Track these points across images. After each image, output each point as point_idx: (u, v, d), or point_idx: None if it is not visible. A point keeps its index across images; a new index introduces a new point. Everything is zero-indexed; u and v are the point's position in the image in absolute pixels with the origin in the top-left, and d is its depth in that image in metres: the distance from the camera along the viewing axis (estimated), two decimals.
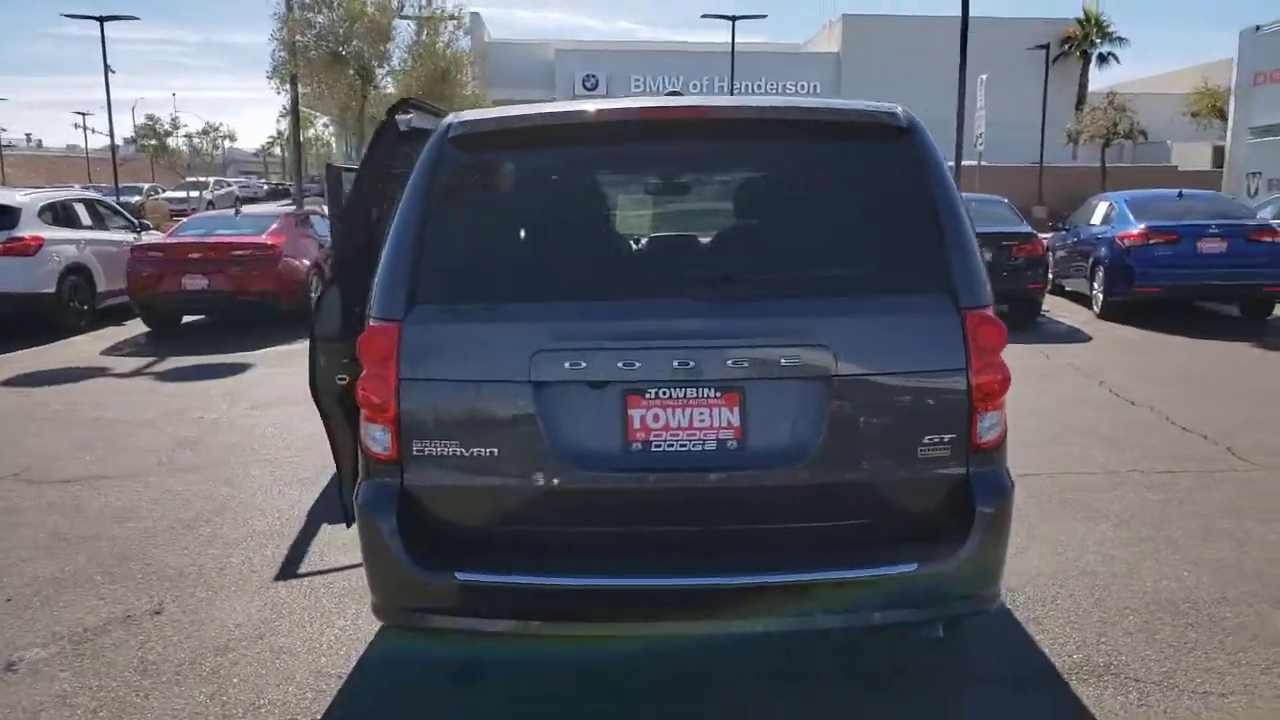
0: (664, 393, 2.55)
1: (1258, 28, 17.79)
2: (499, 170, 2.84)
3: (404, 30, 17.99)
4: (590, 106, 2.81)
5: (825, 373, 2.54)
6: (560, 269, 2.74)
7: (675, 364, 2.53)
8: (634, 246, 2.71)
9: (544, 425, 2.56)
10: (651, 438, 2.55)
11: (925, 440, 2.55)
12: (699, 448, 2.55)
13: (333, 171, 5.45)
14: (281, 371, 8.86)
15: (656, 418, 2.56)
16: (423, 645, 3.37)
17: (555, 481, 2.57)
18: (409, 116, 3.22)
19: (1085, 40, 42.69)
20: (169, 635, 3.53)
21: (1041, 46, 34.47)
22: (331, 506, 4.87)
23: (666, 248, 2.69)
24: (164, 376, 8.83)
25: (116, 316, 12.21)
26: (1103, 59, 43.03)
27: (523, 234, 2.76)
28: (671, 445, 2.55)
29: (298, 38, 17.47)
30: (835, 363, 2.53)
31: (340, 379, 3.13)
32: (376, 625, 3.54)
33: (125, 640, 3.48)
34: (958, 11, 17.11)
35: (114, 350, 10.31)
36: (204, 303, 11.36)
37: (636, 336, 2.56)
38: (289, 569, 4.15)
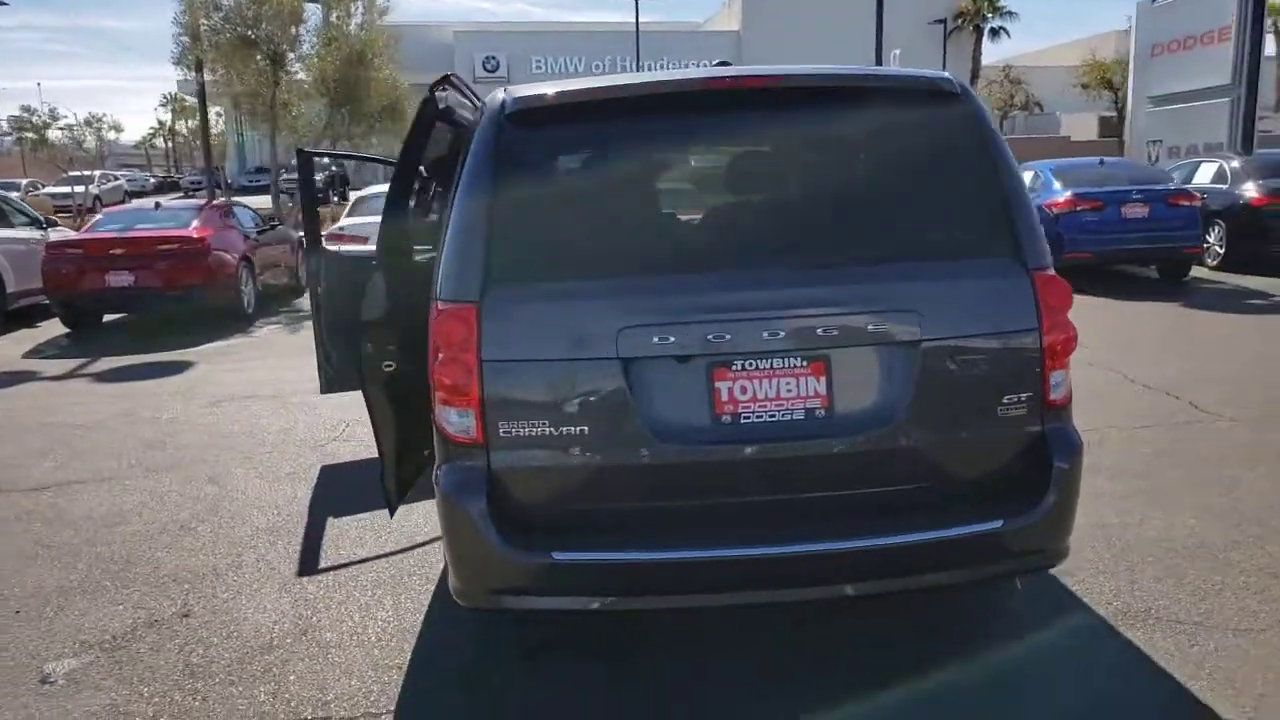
0: (750, 364, 2.57)
1: (1153, 1, 18.63)
2: (561, 145, 2.81)
3: (317, 13, 17.43)
4: (650, 78, 2.80)
5: (909, 338, 2.60)
6: (635, 243, 2.73)
7: (764, 334, 2.56)
8: (707, 218, 2.72)
9: (633, 401, 2.56)
10: (740, 409, 2.57)
11: (1004, 400, 2.64)
12: (787, 417, 2.58)
13: (304, 156, 5.29)
14: (227, 368, 8.57)
15: (744, 389, 2.58)
16: (478, 629, 3.35)
17: (645, 457, 2.57)
18: (445, 94, 3.15)
19: (978, 15, 43.95)
20: (206, 636, 3.40)
21: (939, 21, 35.39)
22: (334, 501, 4.78)
23: (740, 218, 2.70)
24: (102, 377, 8.43)
25: (28, 318, 11.61)
26: (994, 33, 44.37)
27: (591, 209, 2.74)
28: (760, 416, 2.58)
29: (203, 21, 16.76)
30: (919, 327, 2.59)
31: (386, 365, 3.06)
32: (421, 615, 3.50)
33: (161, 644, 3.35)
34: None
35: (37, 353, 9.80)
36: (130, 299, 10.87)
37: (721, 309, 2.57)
38: (309, 564, 4.04)
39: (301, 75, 18.20)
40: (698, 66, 2.64)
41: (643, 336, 2.56)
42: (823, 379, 2.58)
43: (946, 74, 2.84)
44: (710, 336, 2.55)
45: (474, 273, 2.62)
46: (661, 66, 48.53)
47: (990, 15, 43.95)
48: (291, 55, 17.59)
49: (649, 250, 2.70)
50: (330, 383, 5.56)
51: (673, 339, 2.56)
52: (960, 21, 43.68)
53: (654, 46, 41.09)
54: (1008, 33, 44.12)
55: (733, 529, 2.58)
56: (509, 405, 2.59)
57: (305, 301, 13.13)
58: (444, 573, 3.67)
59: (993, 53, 45.96)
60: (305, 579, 3.90)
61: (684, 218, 2.73)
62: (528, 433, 2.58)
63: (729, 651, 3.13)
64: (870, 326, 2.60)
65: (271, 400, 7.13)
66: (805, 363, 2.58)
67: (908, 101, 2.81)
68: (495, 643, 3.29)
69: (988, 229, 2.71)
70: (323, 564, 4.04)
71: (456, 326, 2.62)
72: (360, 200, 11.71)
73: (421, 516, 4.51)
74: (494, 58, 51.77)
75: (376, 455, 5.49)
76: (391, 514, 3.69)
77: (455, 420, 2.63)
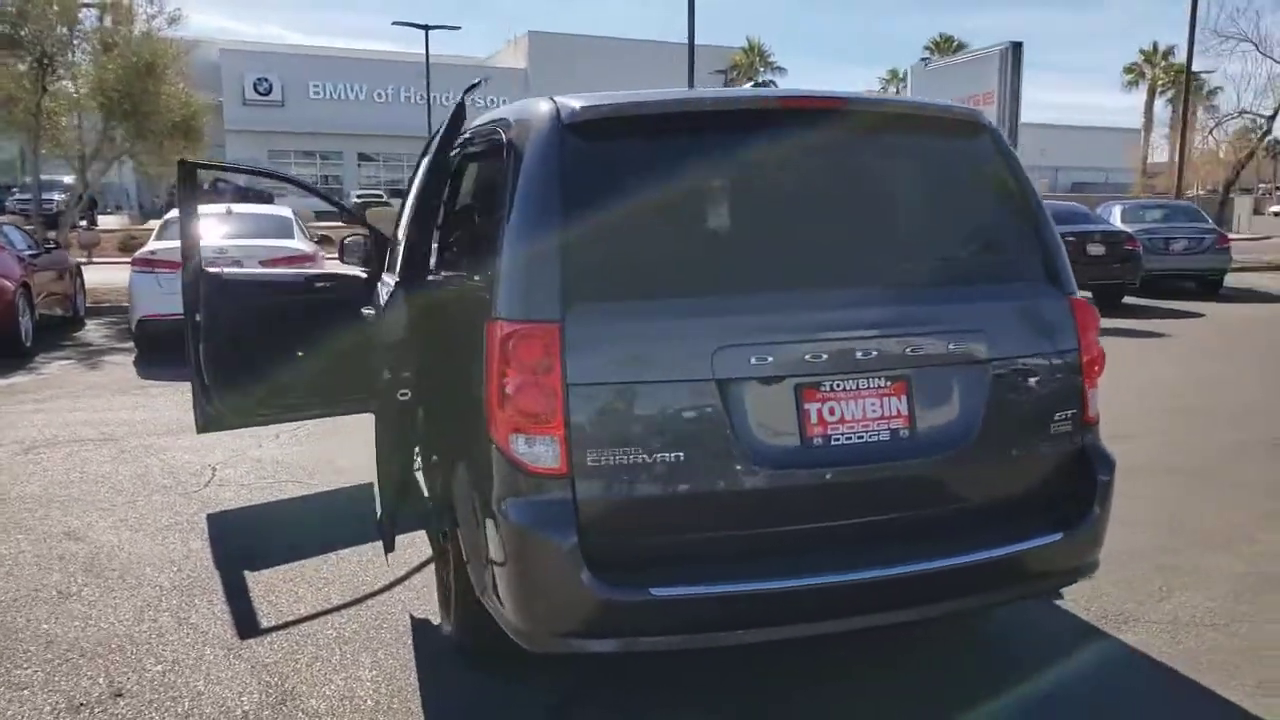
0: (838, 385, 2.52)
1: (925, 61, 20.48)
2: (628, 157, 2.65)
3: (92, 16, 15.81)
4: (714, 94, 2.71)
5: (981, 358, 2.64)
6: (720, 260, 2.61)
7: (858, 354, 2.51)
8: (782, 236, 2.64)
9: (728, 425, 2.43)
10: (829, 431, 2.51)
11: (1055, 418, 2.73)
12: (874, 439, 2.54)
13: (185, 169, 4.76)
14: (27, 409, 7.50)
15: (832, 411, 2.51)
16: (487, 685, 3.06)
17: (740, 483, 2.45)
18: (477, 86, 2.90)
19: (751, 68, 46.70)
20: (158, 718, 2.89)
21: (721, 71, 37.24)
22: (242, 552, 4.26)
23: (814, 237, 2.65)
24: None
25: None
26: (765, 85, 47.32)
27: (668, 225, 2.60)
28: (849, 438, 2.52)
29: None
30: (988, 348, 2.64)
31: (402, 394, 2.76)
32: (411, 672, 3.15)
33: None
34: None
35: None
36: None
37: (813, 328, 2.51)
38: (248, 625, 3.54)
39: (69, 83, 16.50)
40: (548, 98, 2.61)
41: (739, 357, 2.44)
42: (904, 399, 2.57)
43: (973, 108, 2.94)
44: (807, 357, 2.48)
45: (550, 291, 2.41)
46: (446, 100, 47.93)
47: (762, 69, 46.84)
48: (60, 60, 15.89)
49: (735, 268, 2.59)
50: (209, 421, 4.99)
51: (770, 359, 2.46)
52: (735, 73, 46.22)
53: (440, 80, 40.59)
54: (777, 86, 47.13)
55: (825, 555, 2.50)
56: (597, 432, 2.39)
57: (90, 334, 11.86)
58: (412, 624, 3.35)
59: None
60: (251, 642, 3.41)
61: (757, 236, 2.64)
62: (618, 461, 2.39)
63: (767, 693, 3.03)
64: (948, 347, 2.61)
65: (104, 444, 6.29)
66: (889, 383, 2.56)
67: (955, 131, 2.88)
68: (514, 698, 3.01)
69: (1028, 255, 2.81)
70: (264, 624, 3.56)
71: (533, 348, 2.39)
72: (170, 222, 10.65)
73: (356, 563, 4.10)
74: (266, 80, 49.23)
75: (269, 500, 5.02)
76: (389, 551, 3.32)
77: (539, 451, 2.39)
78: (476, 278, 2.73)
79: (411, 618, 3.57)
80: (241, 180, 28.56)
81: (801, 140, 2.67)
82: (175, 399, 7.63)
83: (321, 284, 5.32)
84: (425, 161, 2.89)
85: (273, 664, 3.23)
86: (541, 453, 2.38)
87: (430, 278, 2.89)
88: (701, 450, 2.42)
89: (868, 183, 2.78)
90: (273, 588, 3.87)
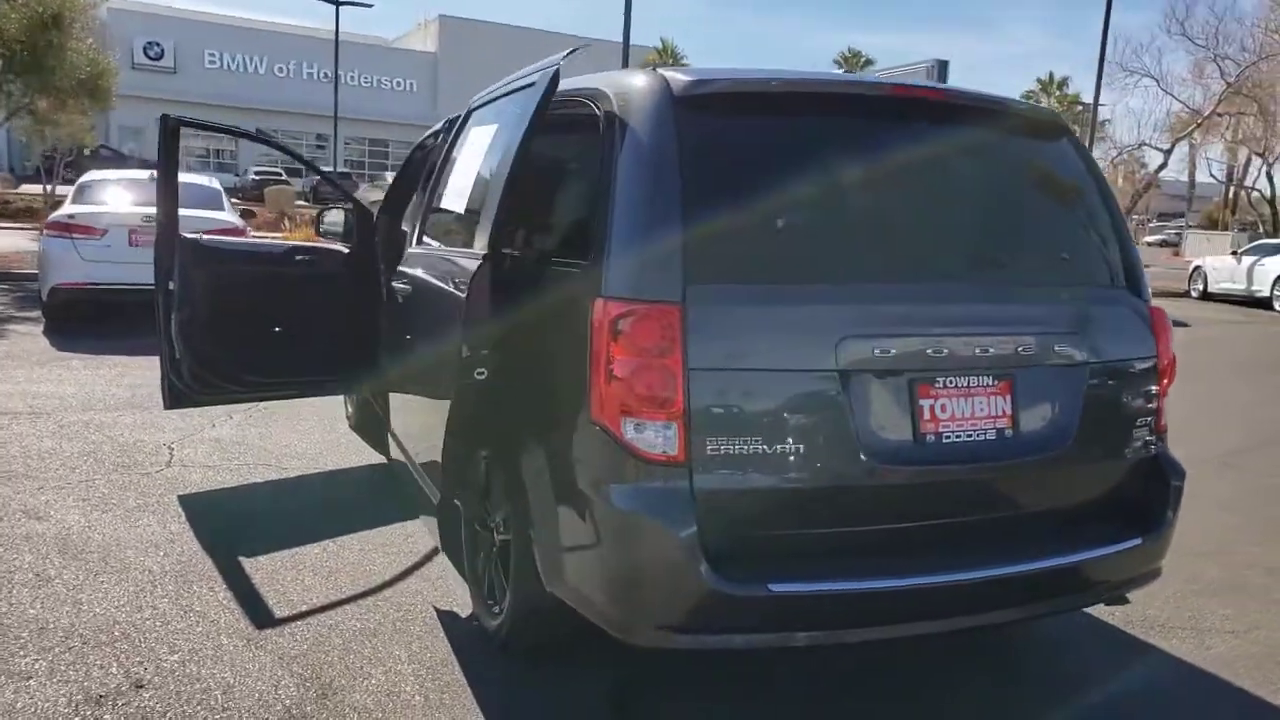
0: (950, 381, 2.51)
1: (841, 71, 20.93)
2: (739, 136, 2.58)
3: None
4: (830, 77, 2.68)
5: (1079, 360, 2.67)
6: (842, 247, 2.56)
7: (975, 350, 2.51)
8: (893, 227, 2.62)
9: (848, 417, 2.39)
10: (940, 429, 2.50)
11: (1137, 423, 2.79)
12: (980, 437, 2.54)
13: (169, 124, 4.46)
14: None
15: (944, 407, 2.51)
16: (537, 678, 2.96)
17: (857, 477, 2.42)
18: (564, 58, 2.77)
19: (661, 65, 46.90)
20: (191, 712, 2.68)
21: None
22: (229, 536, 4.02)
23: (924, 229, 2.64)
24: None
25: None
26: None
27: (780, 208, 2.55)
28: (958, 436, 2.52)
29: None
30: (1085, 351, 2.68)
31: (479, 373, 2.62)
32: (454, 666, 3.02)
33: None
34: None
35: None
36: None
37: (933, 322, 2.50)
38: (261, 615, 3.32)
39: None
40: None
41: (862, 347, 2.41)
42: (1009, 398, 2.58)
43: (1057, 112, 2.98)
44: (929, 351, 2.47)
45: (670, 271, 2.33)
46: (352, 79, 46.56)
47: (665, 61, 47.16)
48: None
49: (854, 255, 2.55)
50: (179, 396, 4.70)
51: (892, 351, 2.44)
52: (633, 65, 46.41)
53: (347, 58, 39.43)
54: None
55: (935, 554, 2.49)
56: (717, 419, 2.32)
57: None
58: (439, 616, 3.21)
59: None
60: (269, 632, 3.20)
61: (876, 224, 2.62)
62: (737, 450, 2.32)
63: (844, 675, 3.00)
64: (1052, 348, 2.64)
65: (37, 419, 5.85)
66: (995, 381, 2.56)
67: (1043, 132, 2.91)
68: (575, 695, 2.90)
69: (1112, 261, 2.87)
70: (279, 613, 3.35)
71: (652, 329, 2.30)
72: (87, 186, 9.98)
73: (358, 551, 3.90)
74: (158, 44, 46.85)
75: (241, 483, 4.73)
76: (444, 545, 3.16)
77: (644, 435, 2.30)
78: (565, 254, 2.62)
79: (435, 609, 3.41)
80: (125, 149, 27.14)
81: (912, 130, 2.66)
82: (101, 373, 7.19)
83: (302, 257, 5.06)
84: (519, 133, 2.71)
85: (300, 655, 3.04)
86: (657, 439, 2.30)
87: (506, 252, 2.75)
88: (821, 443, 2.38)
89: (971, 177, 2.78)
90: (275, 575, 3.65)
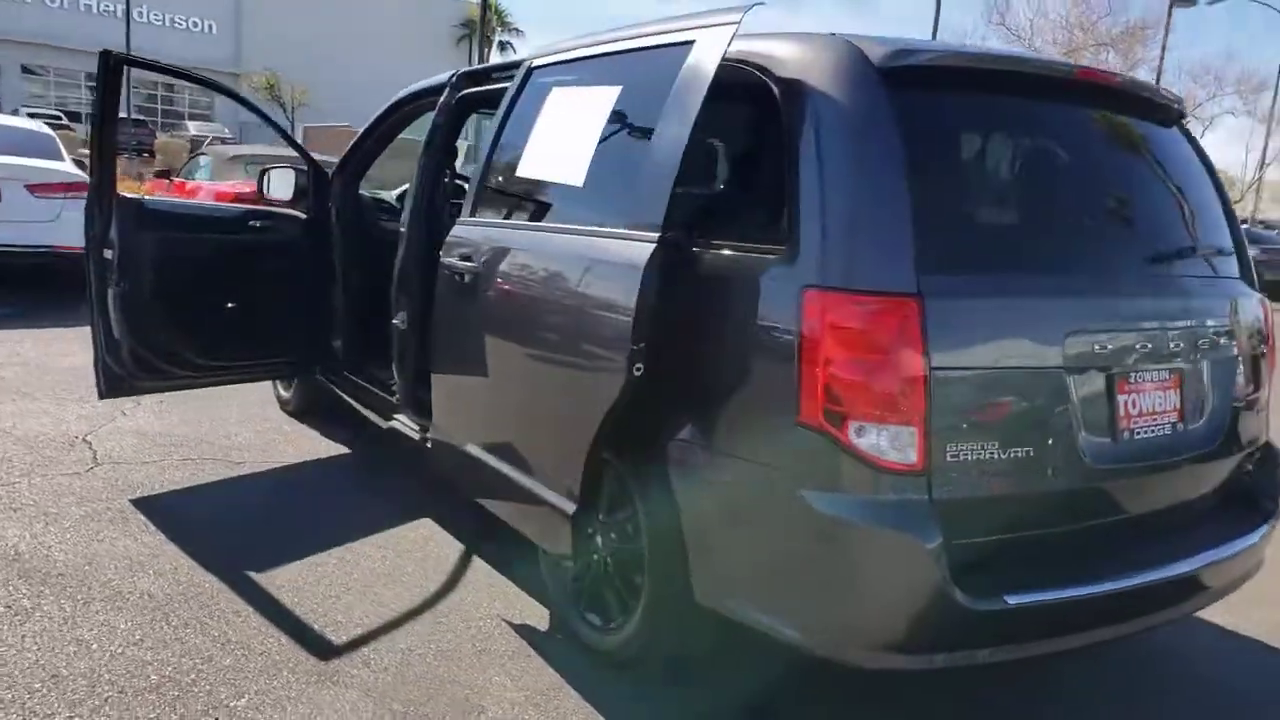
0: (1140, 377, 2.45)
1: None
2: (950, 114, 2.39)
3: None
4: (1035, 57, 2.54)
5: (1230, 353, 2.69)
6: (1059, 237, 2.45)
7: (1161, 345, 2.46)
8: (1094, 216, 2.51)
9: (1072, 416, 2.29)
10: (1132, 425, 2.44)
11: (1260, 412, 2.85)
12: (1160, 432, 2.50)
13: (110, 61, 3.81)
14: None
15: (1134, 403, 2.45)
16: (671, 693, 2.72)
17: (1076, 479, 2.33)
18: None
19: (488, 26, 45.49)
20: None
21: (464, 25, 36.03)
22: (220, 548, 3.51)
23: (1115, 219, 2.55)
24: None
25: None
26: (502, 45, 46.38)
27: (998, 194, 2.39)
28: (1145, 432, 2.47)
29: None
30: (1234, 342, 2.70)
31: (637, 369, 2.34)
32: (568, 691, 2.72)
33: None
34: None
35: None
36: None
37: (1130, 316, 2.43)
38: (319, 644, 2.89)
39: None
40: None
41: (1085, 341, 2.31)
42: (1178, 392, 2.56)
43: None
44: (1130, 345, 2.39)
45: (900, 260, 2.13)
46: (145, 14, 42.27)
47: (499, 28, 45.84)
48: None
49: (1071, 245, 2.44)
50: (117, 382, 4.07)
51: (1108, 346, 2.35)
52: (470, 31, 44.93)
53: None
54: (514, 48, 46.35)
55: (1138, 552, 2.44)
56: (954, 422, 2.15)
57: None
58: (519, 634, 2.91)
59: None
60: (338, 663, 2.78)
61: (1082, 213, 2.51)
62: (972, 455, 2.17)
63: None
64: (1214, 340, 2.63)
65: None
66: (1169, 375, 2.53)
67: (1174, 120, 2.88)
68: (712, 710, 2.68)
69: (1230, 249, 2.90)
70: (336, 640, 2.92)
71: (888, 323, 2.11)
72: None
73: (380, 559, 3.49)
74: None
75: (196, 483, 4.10)
76: (575, 553, 2.80)
77: (878, 440, 2.11)
78: (752, 240, 2.36)
79: (509, 624, 3.08)
80: None
81: (1101, 117, 2.59)
82: None
83: (257, 222, 4.45)
84: (683, 101, 2.36)
85: (389, 689, 2.67)
86: (893, 444, 2.11)
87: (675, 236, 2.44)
88: (1049, 444, 2.27)
89: (1141, 165, 2.73)
90: (301, 592, 3.20)
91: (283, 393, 5.34)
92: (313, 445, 4.78)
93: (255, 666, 2.72)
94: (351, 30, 43.25)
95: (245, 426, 4.99)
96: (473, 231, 3.14)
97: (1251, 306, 2.85)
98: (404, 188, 5.53)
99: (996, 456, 2.19)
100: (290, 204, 4.62)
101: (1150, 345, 2.45)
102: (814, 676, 2.81)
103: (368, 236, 4.83)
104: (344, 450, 4.73)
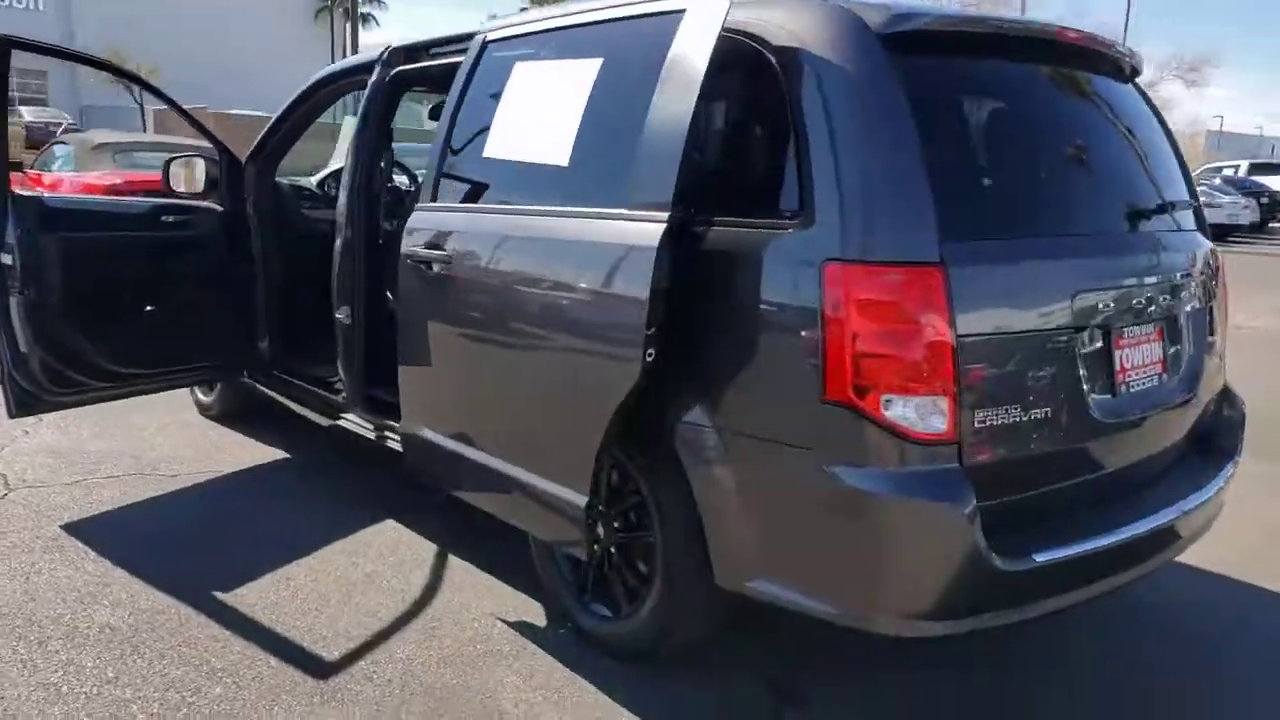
0: (1131, 331, 2.52)
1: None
2: (952, 80, 2.39)
3: None
4: (1024, 20, 2.55)
5: (1202, 303, 2.79)
6: (1060, 197, 2.48)
7: (1148, 299, 2.53)
8: (1087, 176, 2.54)
9: (1080, 374, 2.34)
10: (1128, 378, 2.51)
11: (1220, 357, 2.98)
12: (1149, 384, 2.58)
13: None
14: None
15: (1128, 357, 2.51)
16: (690, 676, 2.69)
17: (1087, 433, 2.39)
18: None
19: None
20: None
21: None
22: (180, 568, 3.30)
23: (1104, 178, 2.58)
24: None
25: None
26: (364, 18, 44.71)
27: (1002, 156, 2.39)
28: (1138, 384, 2.54)
29: None
30: (1204, 294, 2.81)
31: (649, 355, 2.28)
32: (583, 683, 2.67)
33: None
34: None
35: None
36: None
37: (1121, 272, 2.49)
38: (312, 662, 2.73)
39: None
40: None
41: (1090, 301, 2.36)
42: (1161, 344, 2.64)
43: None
44: (1123, 301, 2.45)
45: (921, 228, 2.12)
46: None
47: (361, 1, 44.11)
48: None
49: (1071, 205, 2.47)
50: (29, 400, 3.78)
51: (1111, 304, 2.40)
52: (330, 2, 43.15)
53: None
54: (377, 21, 44.86)
55: (1142, 498, 2.52)
56: (983, 390, 2.16)
57: None
58: (518, 631, 2.83)
59: (368, 39, 46.18)
60: (339, 680, 2.64)
61: (1078, 174, 2.54)
62: (999, 421, 2.19)
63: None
64: (1193, 291, 2.73)
65: None
66: (1154, 328, 2.61)
67: (1131, 76, 2.95)
68: (736, 690, 2.66)
69: (1189, 202, 3.00)
70: (329, 655, 2.77)
71: (914, 294, 2.09)
72: None
73: (348, 565, 3.34)
74: None
75: (128, 501, 3.81)
76: (590, 552, 2.69)
77: (908, 412, 2.10)
78: (760, 214, 2.31)
79: (505, 622, 2.99)
80: None
81: (1085, 77, 2.65)
82: None
83: (170, 217, 4.15)
84: (681, 73, 2.26)
85: (399, 702, 2.55)
86: (923, 415, 2.11)
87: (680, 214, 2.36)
88: (1061, 402, 2.31)
89: (1119, 123, 2.78)
90: (277, 608, 3.03)
91: (202, 397, 5.03)
92: (247, 451, 4.52)
93: (250, 695, 2.55)
94: (196, 6, 40.88)
95: (166, 436, 4.69)
96: (438, 218, 2.99)
97: (1208, 257, 2.98)
98: (324, 173, 5.27)
99: (1019, 419, 2.22)
100: (200, 196, 4.32)
101: (1138, 300, 2.53)
102: (826, 653, 2.83)
103: (290, 227, 4.58)
104: (282, 455, 4.50)
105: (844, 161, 2.15)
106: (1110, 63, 2.76)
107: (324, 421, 4.13)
